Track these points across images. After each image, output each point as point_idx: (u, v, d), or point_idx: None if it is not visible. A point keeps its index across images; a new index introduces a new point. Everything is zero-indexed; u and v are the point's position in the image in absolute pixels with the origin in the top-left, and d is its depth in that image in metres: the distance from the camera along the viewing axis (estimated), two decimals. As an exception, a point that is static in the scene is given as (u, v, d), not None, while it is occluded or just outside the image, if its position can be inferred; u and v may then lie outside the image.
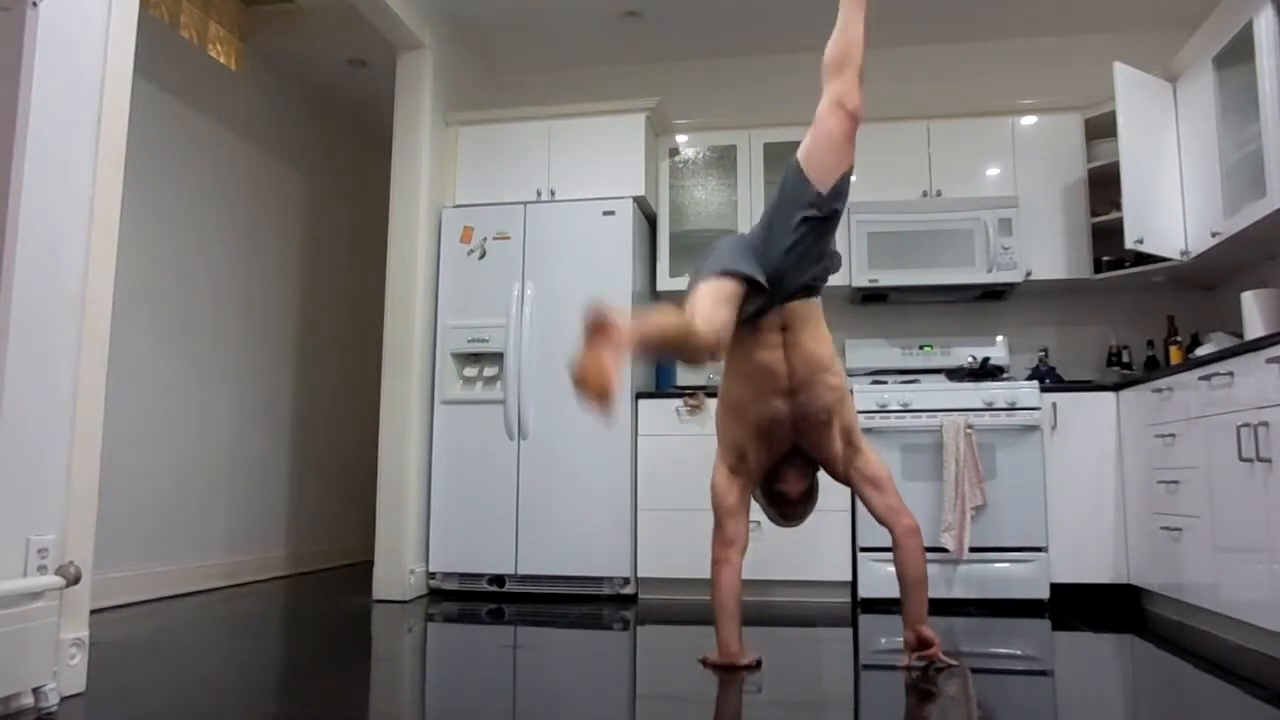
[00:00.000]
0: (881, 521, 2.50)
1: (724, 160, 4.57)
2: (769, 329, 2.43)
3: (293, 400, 5.06)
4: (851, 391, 3.83)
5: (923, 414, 3.80)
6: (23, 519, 2.05)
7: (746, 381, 2.42)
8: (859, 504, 2.75)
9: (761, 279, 2.35)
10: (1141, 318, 4.35)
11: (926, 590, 2.47)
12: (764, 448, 2.47)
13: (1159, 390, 3.34)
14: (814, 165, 2.39)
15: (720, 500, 2.48)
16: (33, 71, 2.09)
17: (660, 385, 4.47)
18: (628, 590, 3.94)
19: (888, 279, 4.14)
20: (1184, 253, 3.79)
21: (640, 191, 4.21)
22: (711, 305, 2.26)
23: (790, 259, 2.38)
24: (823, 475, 2.59)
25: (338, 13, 4.45)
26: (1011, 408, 3.75)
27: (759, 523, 3.00)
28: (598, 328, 1.97)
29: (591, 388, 1.92)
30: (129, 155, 2.50)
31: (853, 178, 2.47)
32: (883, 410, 3.83)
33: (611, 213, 4.11)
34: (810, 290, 2.46)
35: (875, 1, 4.29)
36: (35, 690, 2.03)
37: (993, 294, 4.31)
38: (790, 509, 2.55)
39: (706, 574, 2.51)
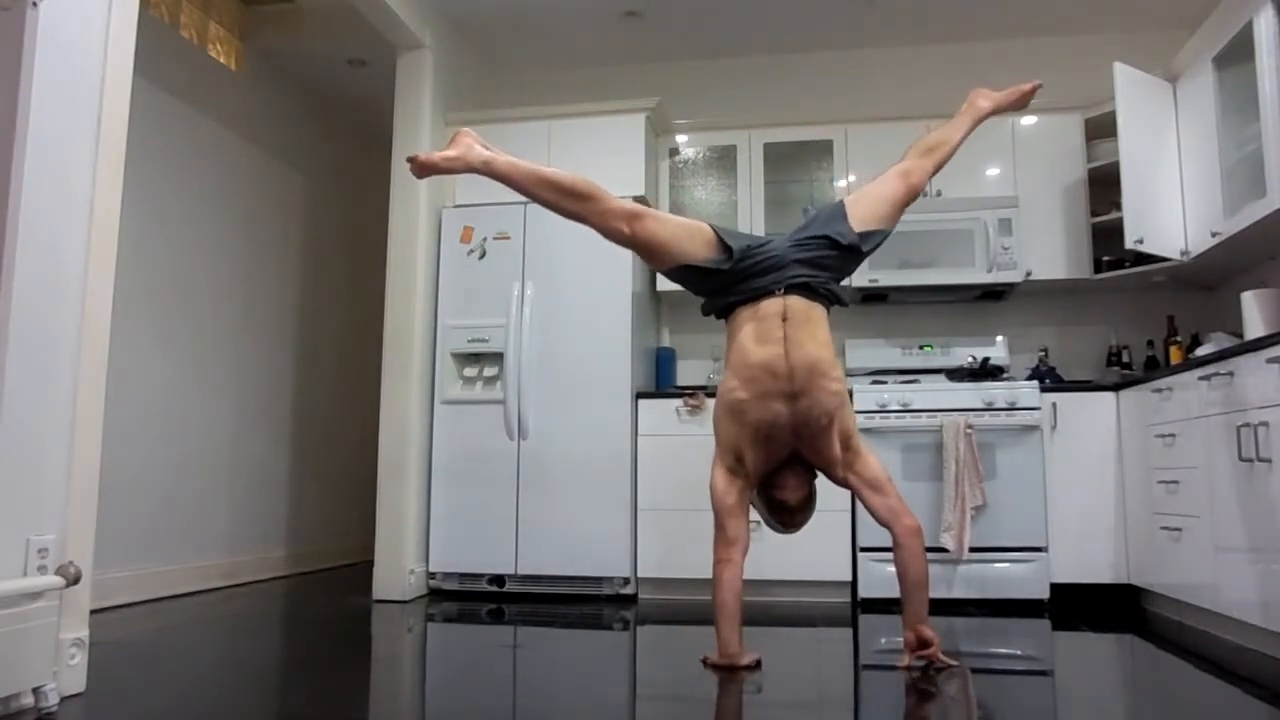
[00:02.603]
0: (883, 523, 2.50)
1: (724, 160, 4.57)
2: (769, 318, 2.43)
3: (293, 400, 5.06)
4: (851, 392, 3.84)
5: (923, 414, 3.80)
6: (23, 519, 2.05)
7: (746, 383, 2.42)
8: (859, 504, 2.76)
9: (734, 247, 2.48)
10: (1141, 318, 4.35)
11: (927, 591, 2.47)
12: (762, 452, 2.45)
13: (1159, 390, 3.34)
14: (858, 208, 2.59)
15: (720, 501, 2.47)
16: (33, 71, 2.09)
17: (660, 385, 4.47)
18: (628, 590, 3.94)
19: (888, 279, 4.14)
20: (1184, 253, 3.79)
21: (640, 191, 4.21)
22: (668, 216, 2.55)
23: (794, 251, 2.49)
24: (821, 481, 2.59)
25: (338, 13, 4.45)
26: (1011, 408, 3.75)
27: (759, 523, 3.00)
28: (455, 137, 2.51)
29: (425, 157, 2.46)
30: (129, 155, 2.49)
31: (885, 239, 2.67)
32: (883, 410, 3.83)
33: (611, 213, 4.10)
34: (811, 291, 2.46)
35: (878, 2, 4.32)
36: (35, 690, 2.03)
37: (993, 294, 4.31)
38: (790, 516, 2.54)
39: (706, 574, 2.50)
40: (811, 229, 2.55)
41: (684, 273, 2.53)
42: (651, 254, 2.53)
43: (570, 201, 2.51)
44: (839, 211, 2.58)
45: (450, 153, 2.49)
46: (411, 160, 2.49)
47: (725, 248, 2.49)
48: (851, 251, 2.53)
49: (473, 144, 2.53)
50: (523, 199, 4.17)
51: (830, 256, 2.50)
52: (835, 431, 2.47)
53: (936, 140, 2.71)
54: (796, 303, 2.44)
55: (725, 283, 2.50)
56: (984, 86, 2.85)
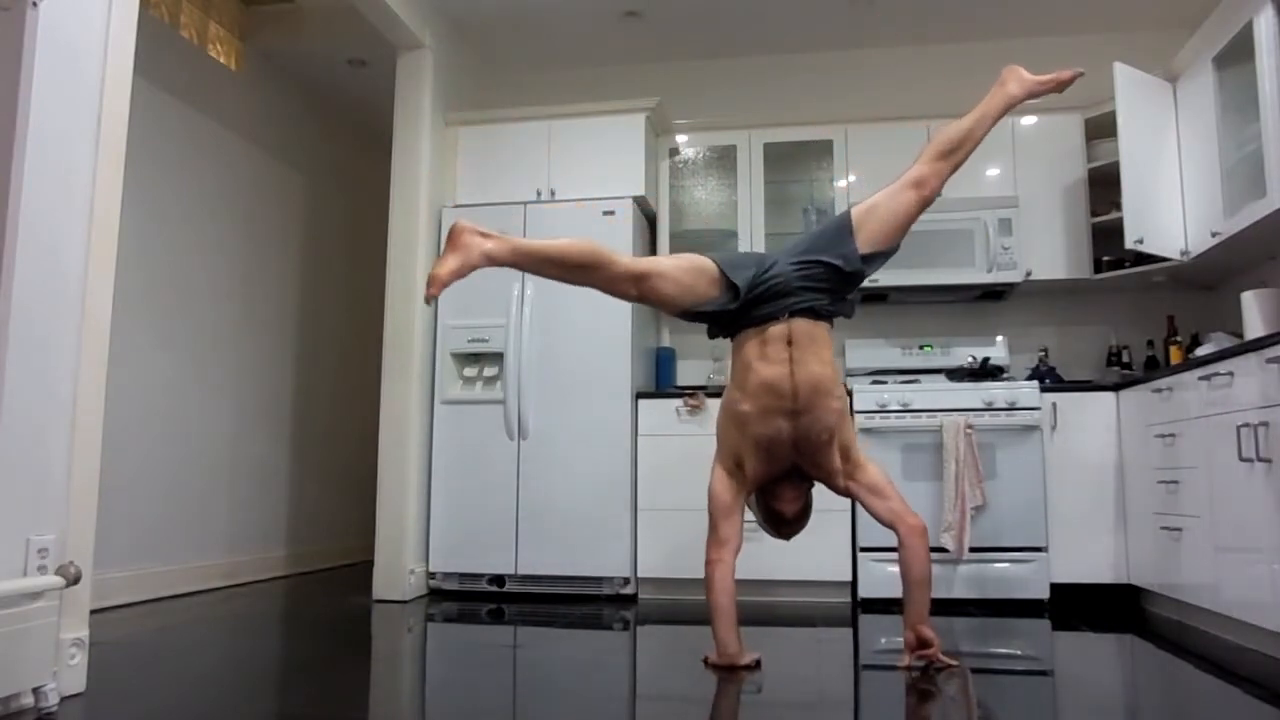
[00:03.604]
0: (887, 525, 2.51)
1: (724, 160, 4.57)
2: (775, 341, 2.43)
3: (293, 400, 5.06)
4: (851, 393, 3.84)
5: (923, 414, 3.80)
6: (23, 519, 2.05)
7: (750, 398, 2.43)
8: (862, 508, 2.75)
9: (740, 286, 2.43)
10: (1141, 318, 4.35)
11: (929, 591, 2.48)
12: (762, 463, 2.48)
13: (1159, 390, 3.34)
14: (868, 226, 2.51)
15: (716, 501, 2.49)
16: (33, 71, 2.09)
17: (660, 385, 4.47)
18: (628, 590, 3.94)
19: (888, 279, 4.13)
20: (1184, 253, 3.79)
21: (640, 191, 4.21)
22: (671, 267, 2.48)
23: (797, 276, 2.46)
24: (819, 485, 2.60)
25: (338, 13, 4.45)
26: (1011, 408, 3.75)
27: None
28: (452, 236, 2.40)
29: (432, 280, 2.35)
30: (129, 155, 2.50)
31: (889, 259, 2.59)
32: (883, 410, 3.83)
33: (611, 213, 4.11)
34: (815, 313, 2.46)
35: (878, 2, 4.32)
36: (35, 690, 2.03)
37: (993, 294, 4.31)
38: (786, 527, 2.58)
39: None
40: (814, 250, 2.50)
41: (693, 317, 2.53)
42: (659, 306, 2.52)
43: (576, 274, 2.47)
44: (845, 228, 2.50)
45: (452, 264, 2.37)
46: (427, 299, 2.39)
47: (730, 285, 2.46)
48: (855, 276, 2.50)
49: (470, 241, 2.40)
50: (522, 199, 4.23)
51: (832, 280, 2.48)
52: (835, 446, 2.49)
53: (957, 138, 2.54)
54: (801, 325, 2.45)
55: (732, 316, 2.50)
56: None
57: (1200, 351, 3.55)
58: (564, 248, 2.44)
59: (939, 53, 4.70)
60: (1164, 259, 3.83)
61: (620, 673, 2.56)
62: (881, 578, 3.67)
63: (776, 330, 2.44)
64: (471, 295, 4.17)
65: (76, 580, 2.12)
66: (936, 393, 3.83)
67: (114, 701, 2.12)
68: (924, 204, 2.53)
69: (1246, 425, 2.67)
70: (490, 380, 4.15)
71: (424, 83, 4.22)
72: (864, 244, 2.49)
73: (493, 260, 2.42)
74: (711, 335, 2.62)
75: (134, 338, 3.85)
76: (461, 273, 2.39)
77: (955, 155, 2.54)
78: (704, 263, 2.49)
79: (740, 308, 2.46)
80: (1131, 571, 3.64)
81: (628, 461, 3.96)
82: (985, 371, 4.07)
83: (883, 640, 2.97)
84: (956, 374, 4.10)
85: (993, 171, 4.24)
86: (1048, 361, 4.25)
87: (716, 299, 2.47)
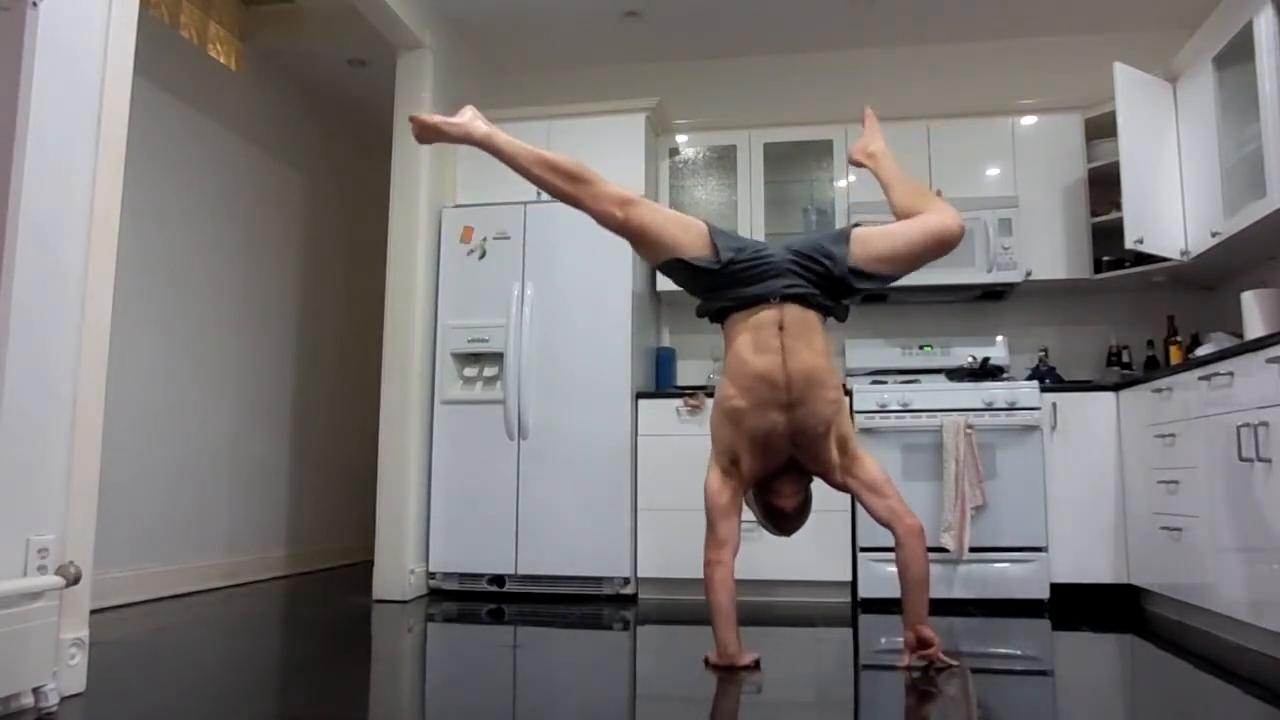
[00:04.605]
0: (884, 524, 2.50)
1: (724, 160, 4.57)
2: (766, 327, 2.42)
3: (293, 400, 5.06)
4: (850, 393, 3.84)
5: (923, 414, 3.80)
6: (23, 519, 2.05)
7: (743, 392, 2.42)
8: (859, 504, 2.75)
9: (724, 251, 2.46)
10: (1141, 318, 4.35)
11: (928, 591, 2.47)
12: (758, 458, 2.45)
13: (1159, 390, 3.34)
14: (868, 243, 2.50)
15: (713, 502, 2.47)
16: (33, 71, 2.09)
17: (660, 385, 4.47)
18: (628, 590, 3.94)
19: (888, 279, 4.13)
20: (1184, 253, 3.79)
21: (640, 191, 4.21)
22: (663, 208, 2.56)
23: (791, 261, 2.47)
24: (818, 484, 2.59)
25: (338, 13, 4.45)
26: (1011, 408, 3.75)
27: (754, 523, 3.00)
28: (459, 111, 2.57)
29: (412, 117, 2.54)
30: (129, 155, 2.50)
31: (884, 284, 2.58)
32: (883, 410, 3.83)
33: (611, 213, 4.10)
34: (807, 301, 2.45)
35: (878, 2, 4.32)
36: (35, 690, 2.03)
37: (993, 294, 4.31)
38: (786, 523, 2.55)
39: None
40: (808, 246, 2.50)
41: (676, 266, 2.51)
42: (643, 242, 2.51)
43: (566, 182, 2.50)
44: (842, 237, 2.51)
45: (454, 119, 2.54)
46: (413, 120, 2.53)
47: (716, 248, 2.47)
48: (841, 282, 2.47)
49: (476, 117, 2.56)
50: (522, 199, 4.22)
51: (821, 278, 2.47)
52: (832, 438, 2.47)
53: (908, 201, 2.65)
54: (793, 311, 2.43)
55: (719, 284, 2.48)
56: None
57: (1200, 351, 3.55)
58: (555, 155, 2.53)
59: (939, 53, 4.70)
60: (1164, 259, 3.83)
61: (620, 673, 2.56)
62: (881, 578, 3.67)
63: (768, 315, 2.43)
64: (471, 295, 4.18)
65: (76, 580, 2.12)
66: (936, 393, 3.83)
67: (114, 701, 2.12)
68: (940, 237, 2.49)
69: (1246, 425, 2.67)
70: (490, 380, 4.15)
71: (424, 83, 4.22)
72: (859, 259, 2.47)
73: (491, 140, 2.53)
74: (700, 313, 2.60)
75: (134, 338, 3.84)
76: (454, 131, 2.52)
77: (927, 194, 2.65)
78: (697, 222, 2.53)
79: (727, 277, 2.45)
80: (1131, 571, 3.64)
81: (628, 461, 3.96)
82: (985, 371, 4.07)
83: (883, 640, 2.97)
84: (956, 374, 4.10)
85: (993, 171, 4.24)
86: (1048, 361, 4.25)
87: (700, 256, 2.47)
